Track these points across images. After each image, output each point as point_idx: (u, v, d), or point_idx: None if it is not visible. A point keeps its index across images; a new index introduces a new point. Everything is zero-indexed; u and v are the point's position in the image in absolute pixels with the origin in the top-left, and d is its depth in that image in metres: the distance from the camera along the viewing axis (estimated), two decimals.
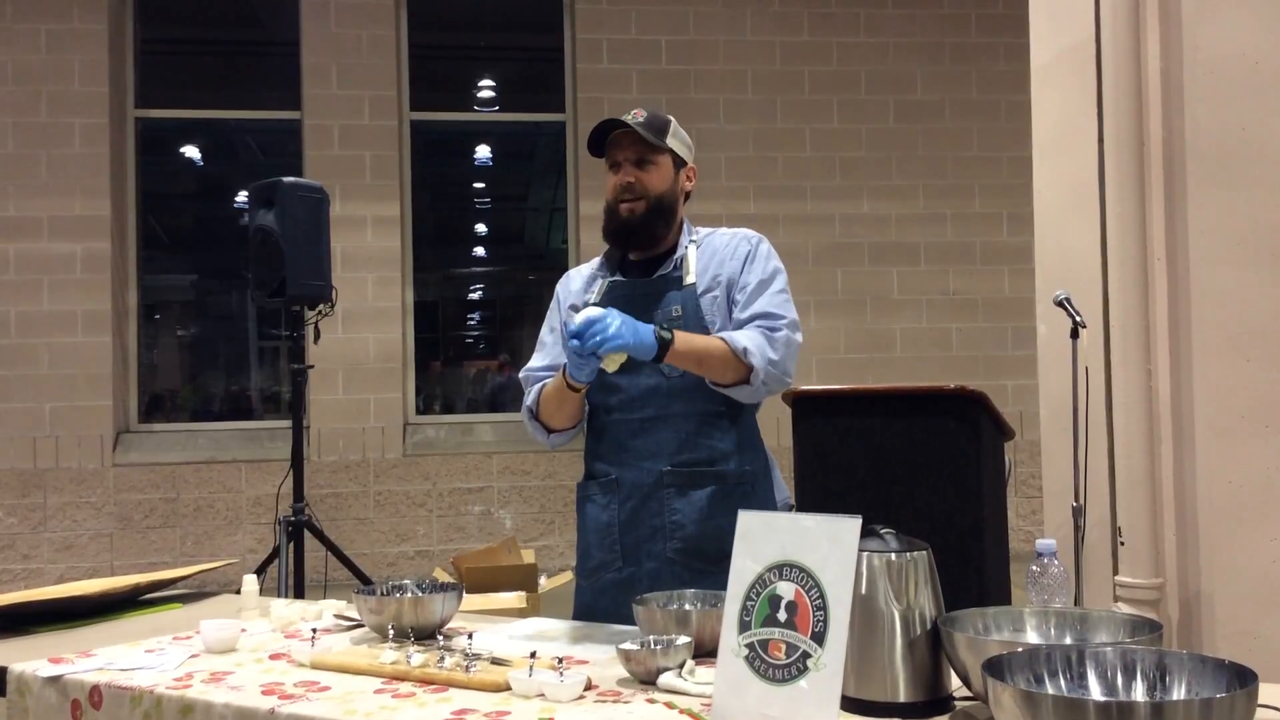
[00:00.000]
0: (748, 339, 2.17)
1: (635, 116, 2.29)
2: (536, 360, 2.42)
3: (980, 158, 7.74)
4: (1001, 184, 7.65)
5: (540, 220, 8.53)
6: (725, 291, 2.28)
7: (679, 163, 2.35)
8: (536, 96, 8.01)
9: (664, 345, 2.08)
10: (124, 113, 7.29)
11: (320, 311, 4.62)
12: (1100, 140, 3.39)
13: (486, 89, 8.05)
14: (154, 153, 7.54)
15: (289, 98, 7.37)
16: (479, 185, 8.52)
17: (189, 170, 8.04)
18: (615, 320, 2.03)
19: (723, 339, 2.18)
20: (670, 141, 2.32)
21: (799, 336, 2.25)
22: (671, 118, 2.35)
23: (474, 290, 8.38)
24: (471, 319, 8.44)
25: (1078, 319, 3.35)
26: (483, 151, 8.23)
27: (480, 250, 8.45)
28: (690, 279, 2.29)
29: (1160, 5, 3.25)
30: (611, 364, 2.10)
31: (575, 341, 2.04)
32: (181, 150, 7.90)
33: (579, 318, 2.07)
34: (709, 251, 2.33)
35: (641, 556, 2.25)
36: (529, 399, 2.39)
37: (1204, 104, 3.16)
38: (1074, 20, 3.57)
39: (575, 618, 2.32)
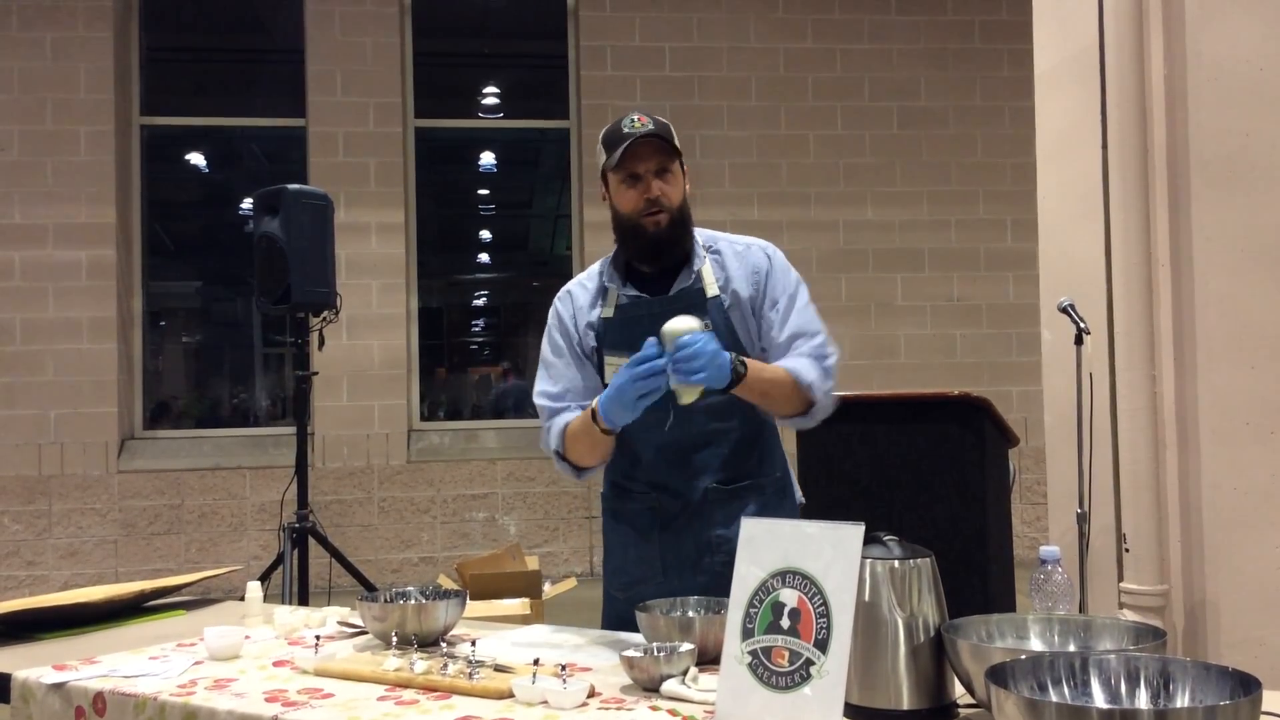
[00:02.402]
0: (809, 372, 2.12)
1: (641, 124, 2.16)
2: (547, 384, 2.27)
3: (984, 164, 7.74)
4: (1005, 190, 7.64)
5: (544, 227, 8.54)
6: (749, 307, 2.22)
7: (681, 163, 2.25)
8: (540, 103, 8.02)
9: (737, 378, 2.00)
10: (129, 120, 7.31)
11: (325, 318, 4.63)
12: (1104, 146, 3.39)
13: (491, 96, 8.06)
14: (159, 160, 7.55)
15: (294, 105, 7.39)
16: (483, 192, 8.53)
17: (194, 177, 8.06)
18: (712, 345, 1.93)
19: (787, 371, 2.11)
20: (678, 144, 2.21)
21: (836, 353, 2.21)
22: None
23: (478, 297, 8.38)
24: (476, 325, 8.44)
25: (1082, 325, 3.35)
26: (487, 158, 8.24)
27: (484, 257, 8.46)
28: (713, 291, 2.21)
29: (1164, 11, 3.25)
30: (689, 395, 1.96)
31: (633, 364, 1.93)
32: (186, 157, 7.92)
33: (672, 332, 1.94)
34: (724, 262, 2.25)
35: (685, 571, 2.21)
36: (552, 441, 2.24)
37: (1207, 110, 3.16)
38: (1078, 27, 3.57)
39: (604, 628, 2.27)
